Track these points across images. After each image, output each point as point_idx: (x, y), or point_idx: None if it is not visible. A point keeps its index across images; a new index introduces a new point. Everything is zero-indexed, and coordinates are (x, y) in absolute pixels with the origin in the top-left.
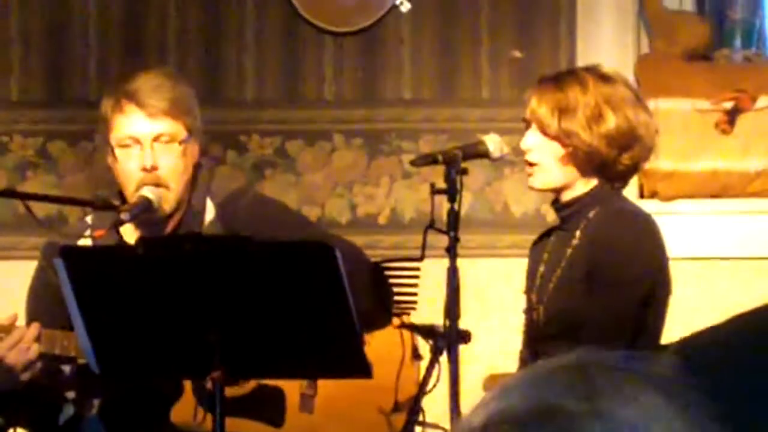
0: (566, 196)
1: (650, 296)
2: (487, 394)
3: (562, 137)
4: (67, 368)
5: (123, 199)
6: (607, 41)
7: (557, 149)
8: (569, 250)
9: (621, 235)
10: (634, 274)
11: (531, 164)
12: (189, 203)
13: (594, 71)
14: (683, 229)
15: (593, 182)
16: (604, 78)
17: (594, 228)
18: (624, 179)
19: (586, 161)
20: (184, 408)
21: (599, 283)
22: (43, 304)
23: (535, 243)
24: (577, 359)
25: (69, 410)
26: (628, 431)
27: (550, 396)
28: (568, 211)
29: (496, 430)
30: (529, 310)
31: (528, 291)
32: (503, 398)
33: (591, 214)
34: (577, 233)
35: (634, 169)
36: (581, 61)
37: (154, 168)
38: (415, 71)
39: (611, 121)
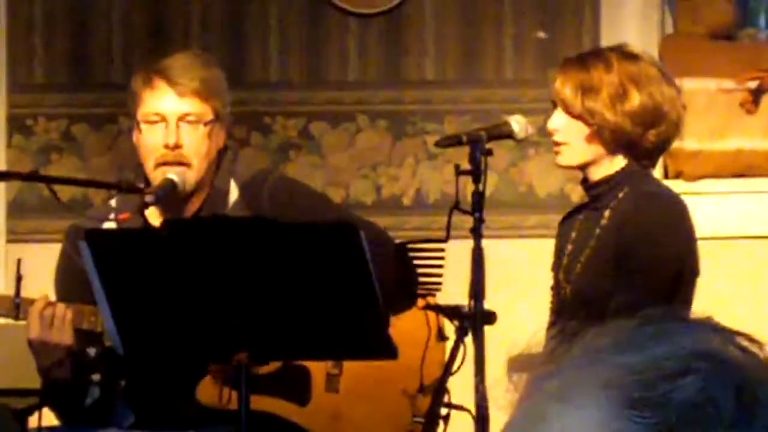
0: (594, 175)
1: (679, 279)
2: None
3: (586, 116)
4: (92, 350)
5: (146, 179)
6: (631, 21)
7: (582, 128)
8: (598, 230)
9: (651, 218)
10: (664, 258)
11: (558, 144)
12: (212, 185)
13: (618, 50)
14: (708, 208)
15: (620, 160)
16: (629, 56)
17: (624, 210)
18: (652, 157)
19: (611, 139)
20: (210, 387)
21: (628, 265)
22: (70, 286)
23: (564, 220)
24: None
25: (95, 393)
26: None
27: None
28: (597, 191)
29: None
30: (557, 288)
31: (555, 269)
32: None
33: (620, 195)
34: (606, 213)
35: (662, 146)
36: (605, 42)
37: (177, 146)
38: (438, 52)
39: (635, 99)
